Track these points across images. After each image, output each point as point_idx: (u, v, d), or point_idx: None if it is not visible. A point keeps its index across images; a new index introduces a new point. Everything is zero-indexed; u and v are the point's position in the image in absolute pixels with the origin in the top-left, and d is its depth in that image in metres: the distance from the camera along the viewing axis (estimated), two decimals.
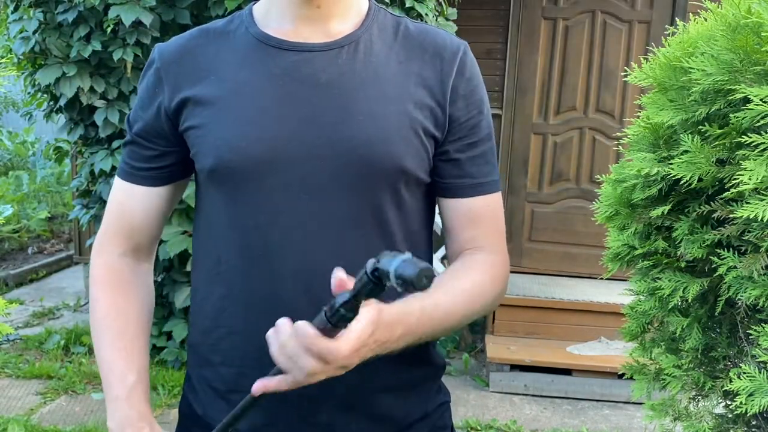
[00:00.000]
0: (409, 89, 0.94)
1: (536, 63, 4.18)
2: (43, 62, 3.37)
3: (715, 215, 0.95)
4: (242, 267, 0.94)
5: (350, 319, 0.73)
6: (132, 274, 1.04)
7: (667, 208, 1.01)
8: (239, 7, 2.86)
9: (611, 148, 4.15)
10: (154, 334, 3.55)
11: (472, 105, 0.97)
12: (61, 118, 3.68)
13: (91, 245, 1.12)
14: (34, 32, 3.34)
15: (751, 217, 0.85)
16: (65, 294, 5.01)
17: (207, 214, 0.99)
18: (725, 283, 0.94)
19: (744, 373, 0.90)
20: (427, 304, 0.86)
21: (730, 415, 1.06)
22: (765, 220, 0.84)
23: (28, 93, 4.01)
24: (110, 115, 3.36)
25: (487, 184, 0.99)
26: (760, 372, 0.90)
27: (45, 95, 3.67)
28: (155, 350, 3.59)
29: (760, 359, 0.89)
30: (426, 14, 3.25)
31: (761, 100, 0.85)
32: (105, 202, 0.95)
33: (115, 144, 3.44)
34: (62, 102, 3.37)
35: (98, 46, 3.24)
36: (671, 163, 0.97)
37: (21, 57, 3.50)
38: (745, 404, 0.89)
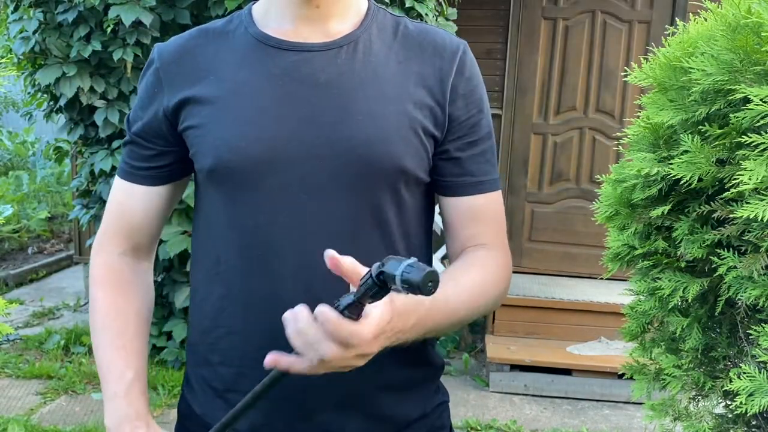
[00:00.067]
0: (409, 89, 0.94)
1: (536, 63, 4.18)
2: (43, 62, 3.37)
3: (715, 215, 0.95)
4: (241, 267, 0.94)
5: (354, 322, 0.73)
6: (132, 274, 1.04)
7: (667, 208, 1.01)
8: (239, 7, 2.86)
9: (611, 148, 4.15)
10: (154, 334, 3.55)
11: (471, 104, 0.97)
12: (61, 118, 3.68)
13: (91, 245, 1.12)
14: (34, 32, 3.34)
15: (751, 217, 0.85)
16: (65, 294, 5.02)
17: (206, 214, 0.99)
18: (725, 283, 0.94)
19: (744, 373, 0.90)
20: (436, 297, 0.86)
21: (730, 415, 1.06)
22: (765, 220, 0.84)
23: (28, 93, 4.01)
24: (110, 115, 3.36)
25: (488, 182, 1.00)
26: (760, 372, 0.90)
27: (45, 95, 3.67)
28: (155, 350, 3.59)
29: (760, 359, 0.89)
30: (426, 14, 3.25)
31: (761, 100, 0.85)
32: (105, 202, 0.95)
33: (115, 144, 3.44)
34: (62, 102, 3.37)
35: (98, 46, 3.24)
36: (671, 163, 0.96)
37: (21, 57, 3.51)
38: (745, 404, 0.89)
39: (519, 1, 4.14)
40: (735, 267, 0.91)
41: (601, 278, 1.34)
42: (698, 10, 1.08)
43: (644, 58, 1.11)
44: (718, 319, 1.04)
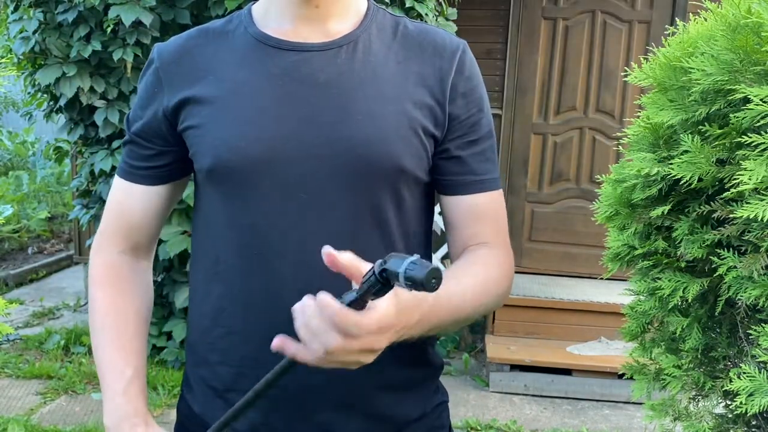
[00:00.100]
0: (408, 89, 0.94)
1: (536, 63, 4.18)
2: (43, 62, 3.37)
3: (715, 215, 0.95)
4: (241, 266, 0.94)
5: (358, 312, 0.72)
6: (131, 273, 1.04)
7: (667, 208, 1.01)
8: (239, 7, 2.86)
9: (611, 148, 4.15)
10: (154, 334, 3.55)
11: (471, 103, 0.97)
12: (61, 118, 3.68)
13: (91, 245, 1.12)
14: (34, 32, 3.34)
15: (751, 217, 0.85)
16: (65, 294, 5.02)
17: (206, 213, 0.99)
18: (725, 283, 0.94)
19: (744, 373, 0.90)
20: (439, 293, 0.86)
21: (730, 415, 1.06)
22: (765, 220, 0.84)
23: (28, 93, 4.02)
24: (110, 115, 3.36)
25: (489, 181, 0.99)
26: (760, 372, 0.90)
27: (45, 95, 3.67)
28: (155, 350, 3.59)
29: (760, 359, 0.89)
30: (426, 14, 3.25)
31: (761, 100, 0.85)
32: (105, 202, 0.95)
33: (115, 144, 3.44)
34: (62, 102, 3.38)
35: (98, 46, 3.24)
36: (671, 163, 0.96)
37: (21, 57, 3.51)
38: (745, 404, 0.89)
39: (519, 1, 4.14)
40: (735, 267, 0.91)
41: (601, 278, 1.34)
42: (698, 10, 1.08)
43: (644, 58, 1.11)
44: (718, 319, 1.04)
